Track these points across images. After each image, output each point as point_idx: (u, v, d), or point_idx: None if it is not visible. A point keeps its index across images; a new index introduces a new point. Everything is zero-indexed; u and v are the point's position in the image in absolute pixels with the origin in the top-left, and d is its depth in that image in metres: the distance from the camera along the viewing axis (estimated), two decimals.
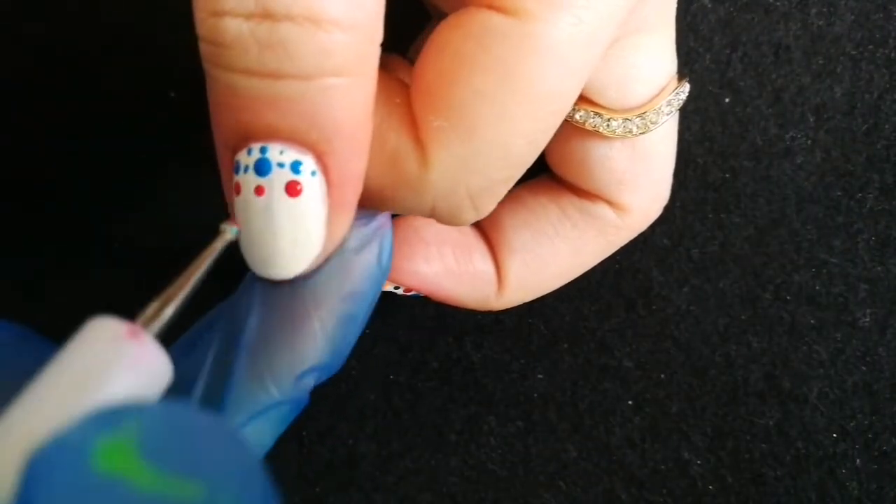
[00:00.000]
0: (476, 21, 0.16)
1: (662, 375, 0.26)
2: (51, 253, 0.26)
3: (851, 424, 0.26)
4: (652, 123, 0.20)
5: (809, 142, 0.25)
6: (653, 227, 0.22)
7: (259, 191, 0.16)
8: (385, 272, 0.18)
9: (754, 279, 0.26)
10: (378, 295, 0.18)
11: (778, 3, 0.25)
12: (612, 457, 0.26)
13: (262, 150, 0.15)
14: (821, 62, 0.25)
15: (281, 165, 0.15)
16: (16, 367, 0.13)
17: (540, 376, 0.26)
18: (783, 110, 0.25)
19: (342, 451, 0.27)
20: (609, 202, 0.21)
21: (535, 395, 0.26)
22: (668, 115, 0.20)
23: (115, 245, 0.26)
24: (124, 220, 0.26)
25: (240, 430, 0.16)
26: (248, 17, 0.14)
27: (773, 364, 0.26)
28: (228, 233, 0.16)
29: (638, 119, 0.20)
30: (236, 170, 0.16)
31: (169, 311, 0.15)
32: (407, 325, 0.26)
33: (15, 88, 0.25)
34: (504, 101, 0.16)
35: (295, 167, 0.15)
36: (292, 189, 0.16)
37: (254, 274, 0.17)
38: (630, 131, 0.20)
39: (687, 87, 0.20)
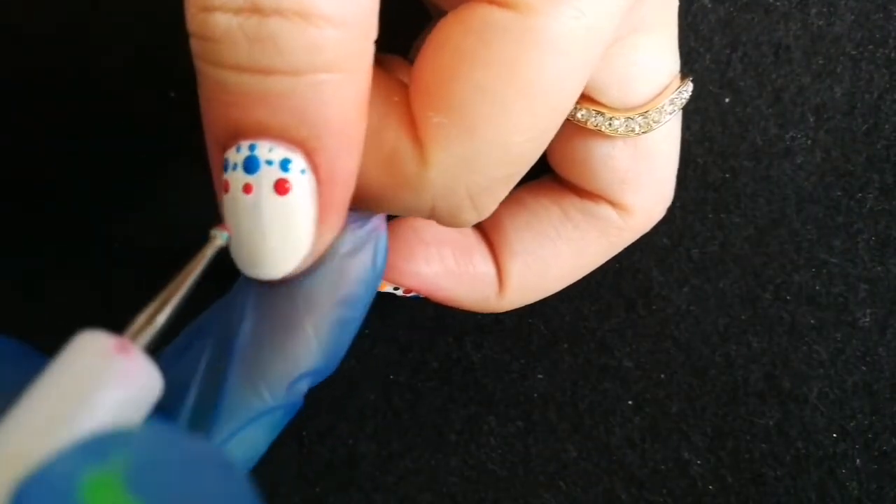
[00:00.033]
0: (477, 16, 0.16)
1: (662, 375, 0.26)
2: (51, 253, 0.26)
3: (851, 424, 0.26)
4: (654, 122, 0.20)
5: (809, 142, 0.25)
6: (653, 227, 0.22)
7: (247, 189, 0.15)
8: (379, 275, 0.17)
9: (754, 279, 0.26)
10: (373, 298, 0.17)
11: (778, 3, 0.25)
12: (612, 457, 0.26)
13: (251, 148, 0.15)
14: (821, 62, 0.25)
15: (269, 163, 0.15)
16: (14, 383, 0.13)
17: (540, 376, 0.26)
18: (783, 110, 0.25)
19: (342, 451, 0.27)
20: (611, 203, 0.21)
21: (535, 395, 0.26)
22: (670, 114, 0.20)
23: (115, 245, 0.26)
24: (124, 220, 0.26)
25: (229, 453, 0.16)
26: (238, 11, 0.14)
27: (773, 364, 0.26)
28: (219, 238, 0.16)
29: (640, 118, 0.19)
30: (225, 167, 0.16)
31: (159, 321, 0.15)
32: (407, 325, 0.26)
33: (15, 88, 0.25)
34: (505, 97, 0.16)
35: (284, 165, 0.15)
36: (281, 187, 0.15)
37: (246, 278, 0.17)
38: (632, 130, 0.20)
39: (690, 86, 0.20)
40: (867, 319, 0.26)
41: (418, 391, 0.27)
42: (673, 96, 0.20)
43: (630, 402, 0.26)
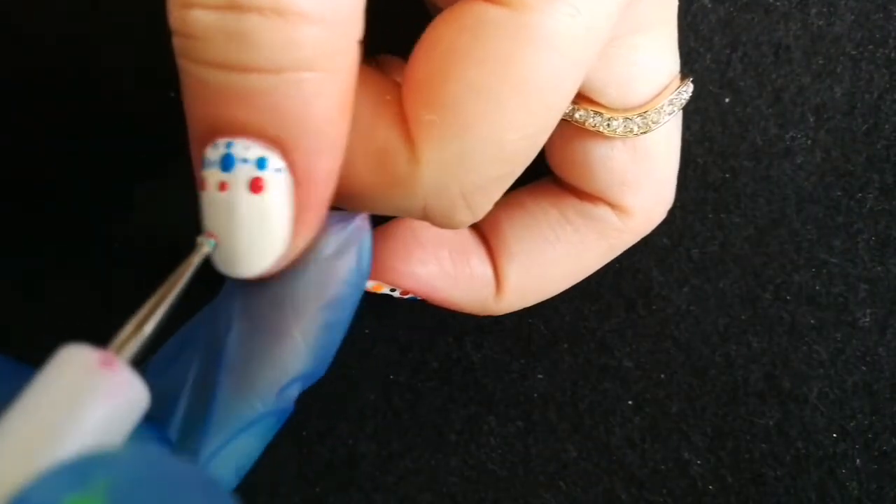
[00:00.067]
0: (471, 13, 0.16)
1: (662, 375, 0.26)
2: (51, 253, 0.26)
3: (851, 424, 0.26)
4: (653, 123, 0.19)
5: (809, 142, 0.25)
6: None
7: (223, 186, 0.15)
8: (365, 275, 0.17)
9: (754, 279, 0.26)
10: (360, 299, 0.17)
11: (778, 3, 0.25)
12: (612, 457, 0.26)
13: (228, 145, 0.15)
14: (821, 62, 0.25)
15: (245, 161, 0.15)
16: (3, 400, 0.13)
17: (540, 376, 0.26)
18: (783, 110, 0.25)
19: (342, 451, 0.27)
20: (611, 204, 0.21)
21: (535, 395, 0.26)
22: (669, 114, 0.20)
23: (115, 245, 0.26)
24: (124, 220, 0.26)
25: (216, 469, 0.16)
26: (216, 8, 0.14)
27: (773, 364, 0.26)
28: (206, 246, 0.16)
29: (639, 118, 0.19)
30: (204, 164, 0.16)
31: (145, 332, 0.14)
32: (407, 325, 0.26)
33: (15, 88, 0.25)
34: (499, 95, 0.16)
35: (260, 163, 0.15)
36: (256, 186, 0.15)
37: (233, 284, 0.17)
38: (631, 131, 0.19)
39: (690, 86, 0.20)
40: (867, 319, 0.26)
41: (418, 391, 0.27)
42: (672, 97, 0.20)
43: (630, 402, 0.26)
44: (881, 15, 0.25)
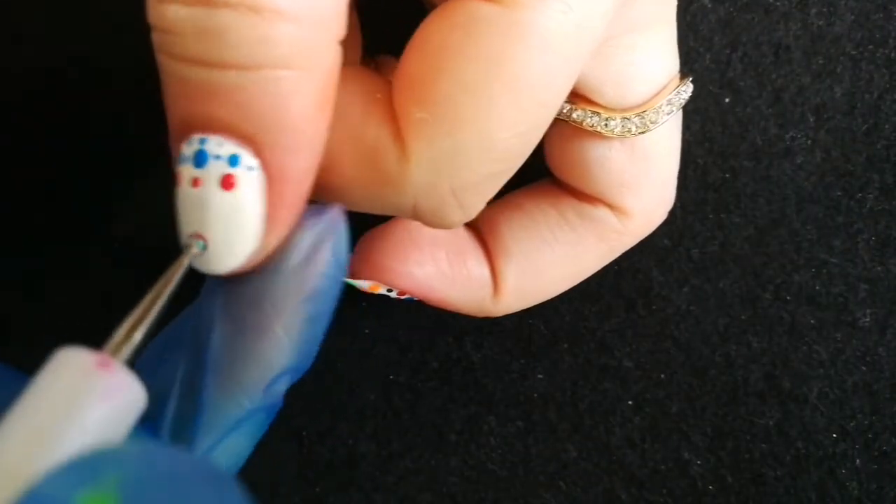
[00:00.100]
0: (463, 11, 0.16)
1: (662, 375, 0.26)
2: (51, 253, 0.26)
3: (851, 424, 0.26)
4: (651, 123, 0.19)
5: (809, 142, 0.25)
6: None
7: (195, 182, 0.15)
8: (343, 266, 0.17)
9: (754, 279, 0.26)
10: (340, 290, 0.17)
11: (778, 3, 0.25)
12: (612, 457, 0.26)
13: (202, 142, 0.15)
14: (821, 62, 0.25)
15: (218, 158, 0.15)
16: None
17: (540, 376, 0.26)
18: (783, 110, 0.25)
19: (342, 451, 0.27)
20: (609, 205, 0.21)
21: (535, 395, 0.26)
22: (668, 114, 0.19)
23: (115, 245, 0.26)
24: (124, 220, 0.26)
25: (217, 462, 0.16)
26: (190, 3, 0.14)
27: (773, 364, 0.26)
28: (195, 247, 0.16)
29: (637, 118, 0.19)
30: (179, 160, 0.16)
31: (139, 334, 0.14)
32: (407, 325, 0.26)
33: (15, 88, 0.25)
34: (490, 92, 0.15)
35: (233, 160, 0.15)
36: (227, 182, 0.15)
37: (213, 284, 0.17)
38: (629, 131, 0.19)
39: (689, 86, 0.20)
40: (867, 319, 0.26)
41: (418, 391, 0.27)
42: (671, 96, 0.19)
43: (630, 402, 0.26)
44: (881, 15, 0.25)
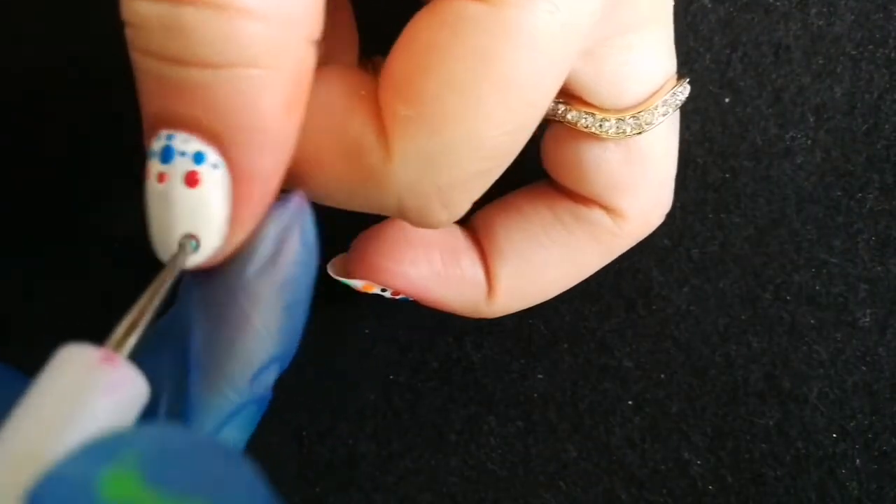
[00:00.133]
0: (450, 9, 0.16)
1: (662, 375, 0.26)
2: (51, 253, 0.26)
3: (851, 424, 0.26)
4: (647, 124, 0.19)
5: (809, 142, 0.25)
6: None
7: (161, 178, 0.16)
8: (313, 251, 0.17)
9: (754, 279, 0.26)
10: (314, 276, 0.17)
11: (778, 3, 0.25)
12: (612, 457, 0.26)
13: (169, 138, 0.15)
14: (821, 62, 0.25)
15: (183, 154, 0.15)
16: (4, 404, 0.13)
17: (540, 376, 0.26)
18: (783, 110, 0.25)
19: (342, 451, 0.27)
20: (605, 207, 0.20)
21: (535, 395, 0.26)
22: (663, 115, 0.19)
23: (115, 245, 0.26)
24: (124, 220, 0.26)
25: (228, 442, 0.16)
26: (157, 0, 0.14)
27: (773, 364, 0.26)
28: (188, 246, 0.16)
29: (632, 119, 0.19)
30: (148, 154, 0.16)
31: (138, 330, 0.15)
32: (407, 325, 0.26)
33: (15, 88, 0.25)
34: (476, 91, 0.15)
35: (197, 158, 0.15)
36: (191, 179, 0.15)
37: (189, 283, 0.17)
38: (623, 132, 0.19)
39: (686, 87, 0.20)
40: (867, 319, 0.26)
41: (418, 391, 0.27)
42: (666, 97, 0.19)
43: (630, 402, 0.26)
44: (881, 15, 0.25)
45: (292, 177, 0.17)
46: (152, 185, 0.16)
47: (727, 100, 0.25)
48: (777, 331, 0.26)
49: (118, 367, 0.14)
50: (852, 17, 0.25)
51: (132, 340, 0.15)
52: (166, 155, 0.15)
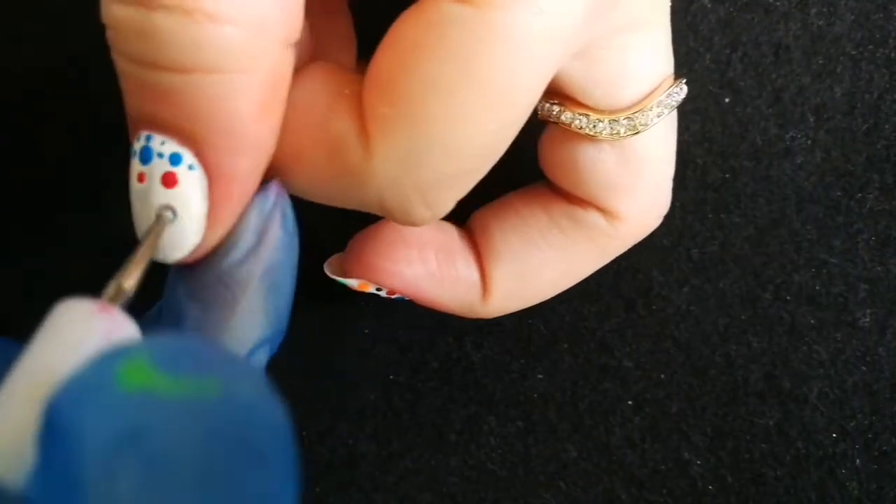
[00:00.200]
0: (435, 10, 0.16)
1: (662, 375, 0.26)
2: (51, 253, 0.26)
3: (851, 424, 0.26)
4: (642, 125, 0.19)
5: (809, 142, 0.25)
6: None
7: (141, 178, 0.16)
8: (293, 235, 0.18)
9: (754, 279, 0.26)
10: (297, 259, 0.18)
11: (778, 3, 0.25)
12: (612, 457, 0.26)
13: (147, 139, 0.16)
14: (821, 62, 0.25)
15: (161, 156, 0.16)
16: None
17: (540, 376, 0.26)
18: (783, 110, 0.25)
19: (342, 451, 0.27)
20: (600, 209, 0.20)
21: (535, 395, 0.26)
22: (658, 116, 0.19)
23: (116, 245, 0.26)
24: (124, 220, 0.26)
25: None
26: (128, 2, 0.14)
27: (773, 364, 0.26)
28: (167, 216, 0.16)
29: (626, 120, 0.19)
30: (130, 154, 0.16)
31: (128, 288, 0.16)
32: (407, 325, 0.26)
33: (15, 88, 0.25)
34: (457, 92, 0.15)
35: (174, 159, 0.16)
36: (168, 180, 0.16)
37: (175, 276, 0.18)
38: (617, 133, 0.19)
39: (682, 88, 0.20)
40: (867, 319, 0.26)
41: (418, 391, 0.27)
42: (661, 98, 0.19)
43: (630, 402, 0.26)
44: (881, 15, 0.25)
45: (277, 172, 0.17)
46: (133, 185, 0.16)
47: (727, 100, 0.25)
48: (777, 331, 0.26)
49: (114, 316, 0.14)
50: (852, 17, 0.25)
51: (124, 296, 0.15)
52: (145, 156, 0.16)
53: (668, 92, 0.19)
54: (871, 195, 0.25)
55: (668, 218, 0.22)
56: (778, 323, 0.26)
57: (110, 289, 0.15)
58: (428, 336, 0.26)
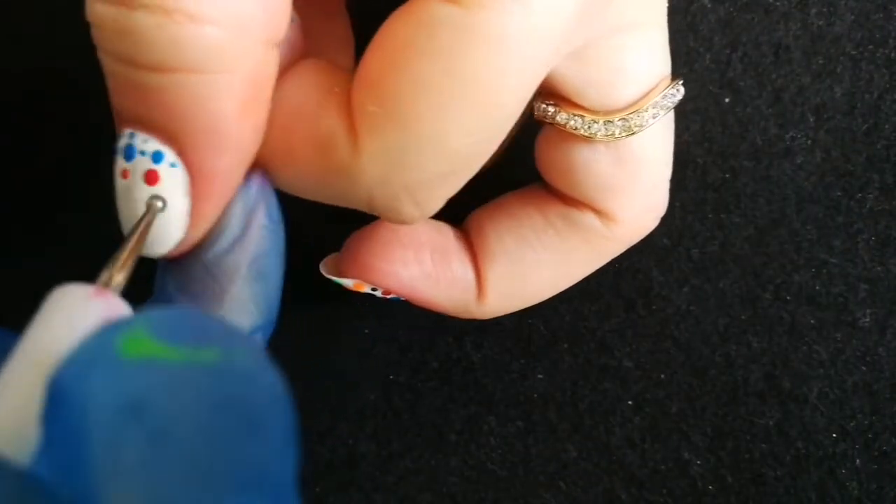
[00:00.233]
0: (424, 10, 0.16)
1: (662, 375, 0.26)
2: (51, 253, 0.26)
3: (851, 424, 0.26)
4: (636, 127, 0.19)
5: (809, 142, 0.25)
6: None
7: (124, 174, 0.16)
8: (279, 223, 0.18)
9: (754, 279, 0.26)
10: (283, 247, 0.18)
11: (778, 3, 0.25)
12: (612, 457, 0.26)
13: (131, 136, 0.16)
14: (821, 62, 0.25)
15: (143, 153, 0.16)
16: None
17: (540, 376, 0.26)
18: (783, 110, 0.25)
19: (342, 451, 0.27)
20: (596, 210, 0.20)
21: (535, 395, 0.26)
22: (654, 118, 0.19)
23: (116, 245, 0.26)
24: None
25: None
26: (111, 2, 0.14)
27: (773, 364, 0.26)
28: (157, 205, 0.17)
29: (620, 122, 0.19)
30: (115, 150, 0.16)
31: (120, 277, 0.16)
32: (407, 325, 0.26)
33: (15, 88, 0.25)
34: (444, 92, 0.16)
35: (156, 157, 0.16)
36: (150, 178, 0.16)
37: (163, 271, 0.18)
38: (612, 134, 0.19)
39: (679, 89, 0.19)
40: (867, 319, 0.26)
41: (418, 391, 0.27)
42: (657, 99, 0.19)
43: (630, 402, 0.26)
44: (881, 15, 0.25)
45: (266, 168, 0.18)
46: (117, 181, 0.17)
47: (727, 100, 0.25)
48: (777, 331, 0.26)
49: (110, 299, 0.15)
50: (852, 17, 0.25)
51: (116, 285, 0.16)
52: (128, 153, 0.16)
53: (664, 93, 0.19)
54: (871, 195, 0.25)
55: (668, 218, 0.22)
56: (778, 323, 0.26)
57: (103, 276, 0.16)
58: (428, 336, 0.26)
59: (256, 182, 0.18)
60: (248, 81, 0.15)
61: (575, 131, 0.19)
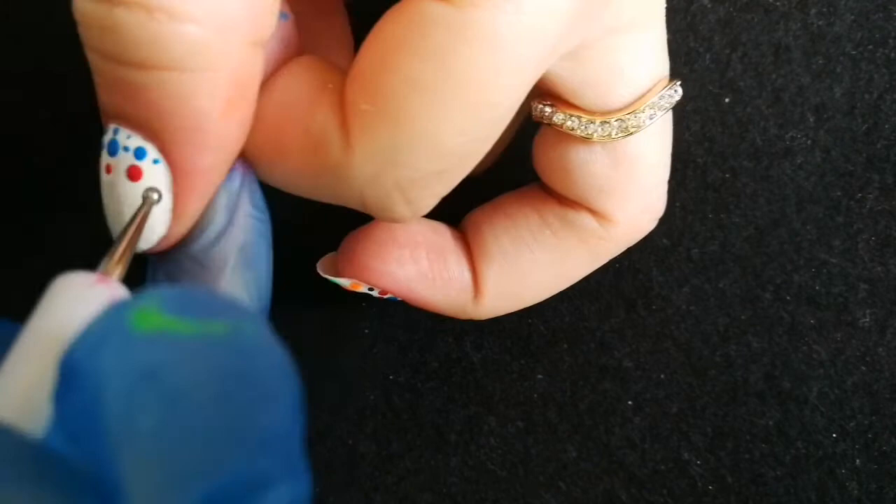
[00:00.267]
0: (417, 9, 0.16)
1: (662, 375, 0.26)
2: (51, 253, 0.26)
3: (851, 424, 0.26)
4: (633, 127, 0.19)
5: (809, 142, 0.25)
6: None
7: (108, 169, 0.16)
8: (264, 211, 0.18)
9: (754, 279, 0.26)
10: (270, 235, 0.18)
11: (778, 3, 0.25)
12: (612, 457, 0.26)
13: (115, 132, 0.16)
14: (821, 62, 0.25)
15: (126, 149, 0.16)
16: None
17: (540, 376, 0.26)
18: (783, 110, 0.25)
19: (342, 451, 0.27)
20: (593, 211, 0.20)
21: (535, 395, 0.26)
22: (651, 118, 0.19)
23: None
24: None
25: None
26: None
27: (773, 364, 0.26)
28: (152, 197, 0.17)
29: (617, 122, 0.19)
30: (101, 145, 0.16)
31: (118, 270, 0.16)
32: (407, 325, 0.26)
33: (15, 88, 0.25)
34: (436, 90, 0.16)
35: (139, 153, 0.16)
36: (133, 173, 0.16)
37: (154, 265, 0.18)
38: (609, 135, 0.19)
39: (677, 90, 0.19)
40: (867, 319, 0.26)
41: (418, 391, 0.27)
42: (654, 100, 0.19)
43: (630, 402, 0.26)
44: (881, 15, 0.25)
45: (258, 165, 0.18)
46: (102, 175, 0.17)
47: (727, 100, 0.25)
48: (777, 331, 0.26)
49: (112, 286, 0.15)
50: (852, 17, 0.25)
51: (118, 272, 0.16)
52: (112, 148, 0.16)
53: (661, 94, 0.19)
54: (871, 195, 0.25)
55: (668, 218, 0.22)
56: (778, 323, 0.26)
57: (103, 265, 0.16)
58: (428, 336, 0.26)
59: (240, 169, 0.18)
60: (231, 80, 0.15)
61: (572, 132, 0.19)
